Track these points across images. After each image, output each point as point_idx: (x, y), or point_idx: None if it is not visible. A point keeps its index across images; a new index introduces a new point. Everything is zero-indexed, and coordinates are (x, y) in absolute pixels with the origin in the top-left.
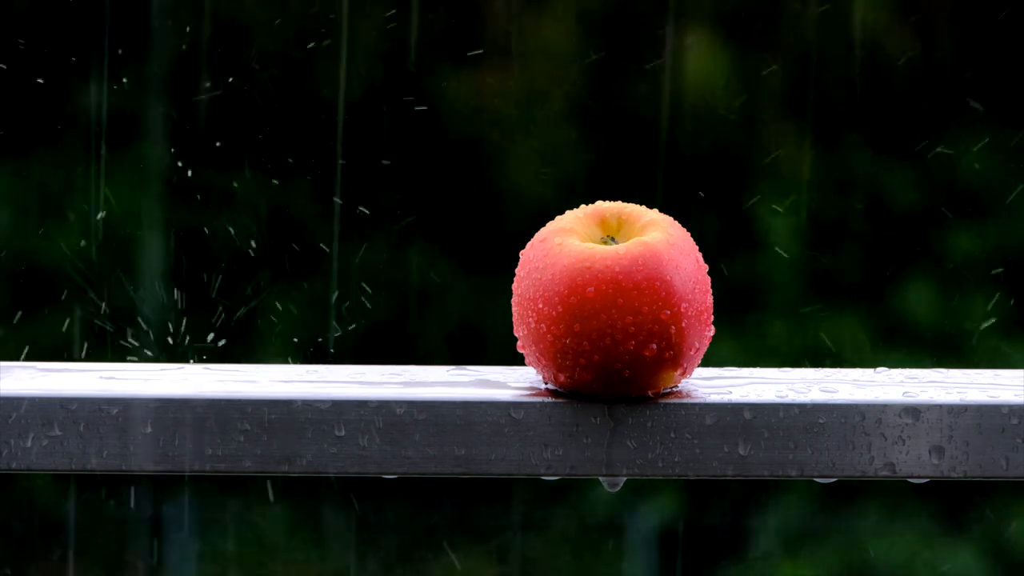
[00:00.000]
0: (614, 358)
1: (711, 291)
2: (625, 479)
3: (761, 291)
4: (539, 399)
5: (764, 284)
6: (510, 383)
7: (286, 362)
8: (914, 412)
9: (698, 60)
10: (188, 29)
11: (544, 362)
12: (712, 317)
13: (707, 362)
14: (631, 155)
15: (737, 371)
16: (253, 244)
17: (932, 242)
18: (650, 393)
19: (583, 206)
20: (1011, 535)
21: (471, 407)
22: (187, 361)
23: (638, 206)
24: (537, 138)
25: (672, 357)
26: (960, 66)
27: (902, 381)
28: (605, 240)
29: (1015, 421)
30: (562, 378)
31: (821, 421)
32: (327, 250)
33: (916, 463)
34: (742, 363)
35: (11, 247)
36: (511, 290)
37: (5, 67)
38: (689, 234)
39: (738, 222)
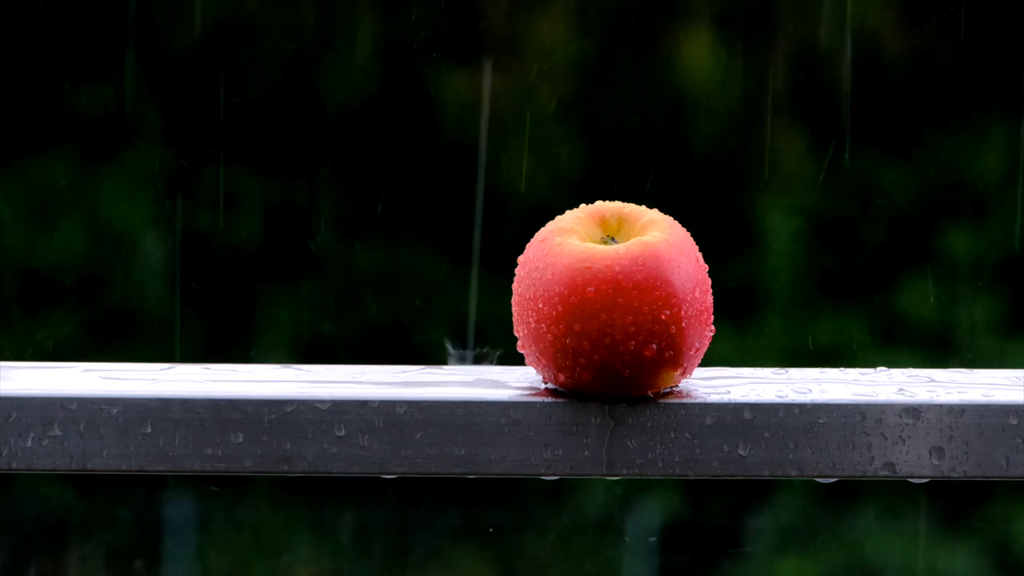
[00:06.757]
0: (614, 358)
1: (711, 291)
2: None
3: (761, 291)
4: (539, 399)
5: (764, 284)
6: (510, 383)
7: (286, 362)
8: (914, 412)
9: (698, 60)
10: (188, 29)
11: (544, 362)
12: (712, 317)
13: (707, 362)
14: (631, 155)
15: (737, 371)
16: (253, 244)
17: (932, 242)
18: (650, 393)
19: (583, 206)
20: (1011, 535)
21: (471, 407)
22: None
23: (638, 206)
24: (536, 138)
25: (672, 357)
26: (960, 65)
27: (902, 381)
28: (605, 240)
29: (1015, 421)
30: (562, 378)
31: (821, 421)
32: (327, 250)
33: (916, 463)
34: (742, 363)
35: (11, 247)
36: (511, 290)
37: (5, 67)
38: (689, 234)
39: (738, 222)
